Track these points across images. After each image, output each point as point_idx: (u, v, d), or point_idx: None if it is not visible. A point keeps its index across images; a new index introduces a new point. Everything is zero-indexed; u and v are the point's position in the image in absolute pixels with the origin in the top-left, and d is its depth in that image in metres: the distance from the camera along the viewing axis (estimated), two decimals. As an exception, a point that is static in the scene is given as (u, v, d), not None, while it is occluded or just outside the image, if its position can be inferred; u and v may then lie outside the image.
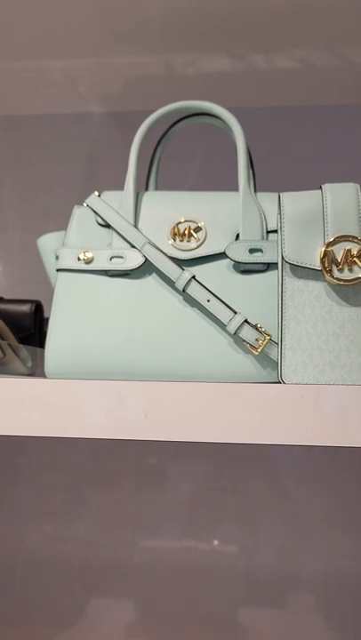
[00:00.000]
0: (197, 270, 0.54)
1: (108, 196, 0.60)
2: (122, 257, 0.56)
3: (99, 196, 0.60)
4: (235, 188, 0.58)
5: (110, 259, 0.56)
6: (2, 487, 0.99)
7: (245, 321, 0.50)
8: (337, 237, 0.47)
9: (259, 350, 0.50)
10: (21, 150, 1.02)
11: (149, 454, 0.95)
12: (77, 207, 0.60)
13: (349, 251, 0.47)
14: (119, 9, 0.73)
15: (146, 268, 0.55)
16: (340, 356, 0.46)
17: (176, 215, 0.57)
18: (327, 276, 0.46)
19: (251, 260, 0.54)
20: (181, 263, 0.55)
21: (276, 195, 0.55)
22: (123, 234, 0.56)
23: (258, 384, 0.42)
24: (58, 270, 0.57)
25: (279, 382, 0.46)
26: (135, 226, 0.57)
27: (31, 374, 0.63)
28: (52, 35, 0.79)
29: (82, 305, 0.55)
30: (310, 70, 0.84)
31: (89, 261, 0.56)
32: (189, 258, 0.55)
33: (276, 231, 0.55)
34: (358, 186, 0.49)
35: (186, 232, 0.56)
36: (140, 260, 0.55)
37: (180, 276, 0.53)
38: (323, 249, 0.47)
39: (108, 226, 0.58)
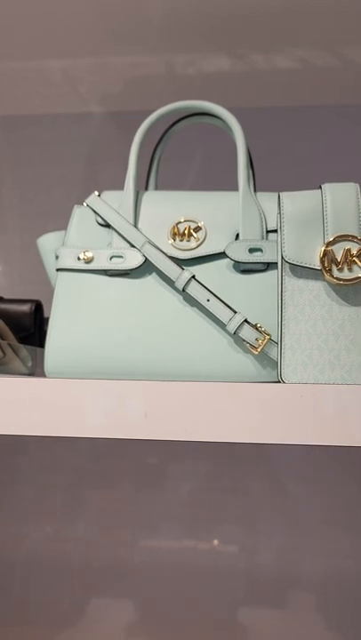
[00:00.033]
0: (197, 270, 0.54)
1: (108, 195, 0.60)
2: (122, 256, 0.56)
3: (99, 195, 0.60)
4: (235, 187, 0.58)
5: (110, 258, 0.56)
6: (2, 487, 0.99)
7: (245, 320, 0.50)
8: (337, 237, 0.47)
9: (258, 350, 0.50)
10: (21, 150, 1.02)
11: (149, 454, 0.95)
12: (77, 207, 0.60)
13: (349, 250, 0.47)
14: (119, 9, 0.73)
15: (146, 268, 0.55)
16: (339, 356, 0.46)
17: (176, 215, 0.57)
18: (327, 276, 0.46)
19: (250, 259, 0.54)
20: (181, 263, 0.55)
21: (276, 194, 0.55)
22: (123, 233, 0.56)
23: (258, 383, 0.42)
24: (58, 270, 0.57)
25: (279, 382, 0.46)
26: (135, 225, 0.57)
27: (31, 374, 0.63)
28: (52, 35, 0.79)
29: (82, 304, 0.55)
30: (310, 70, 0.84)
31: (89, 261, 0.56)
32: (189, 257, 0.55)
33: (275, 231, 0.55)
34: (358, 186, 0.49)
35: (186, 232, 0.56)
36: (140, 260, 0.55)
37: (180, 275, 0.53)
38: (322, 248, 0.47)
39: (107, 225, 0.58)
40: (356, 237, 0.47)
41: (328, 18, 0.74)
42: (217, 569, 0.92)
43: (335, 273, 0.46)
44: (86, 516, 0.96)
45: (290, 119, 0.95)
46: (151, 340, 0.53)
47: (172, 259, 0.54)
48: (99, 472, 0.96)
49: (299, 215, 0.48)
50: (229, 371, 0.51)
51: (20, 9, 0.74)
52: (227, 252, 0.54)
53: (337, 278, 0.46)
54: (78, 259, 0.56)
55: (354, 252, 0.46)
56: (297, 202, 0.49)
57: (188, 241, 0.56)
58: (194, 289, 0.52)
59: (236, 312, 0.51)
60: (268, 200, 0.57)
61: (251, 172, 0.60)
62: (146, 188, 0.67)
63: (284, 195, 0.50)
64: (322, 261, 0.47)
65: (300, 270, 0.48)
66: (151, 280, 0.55)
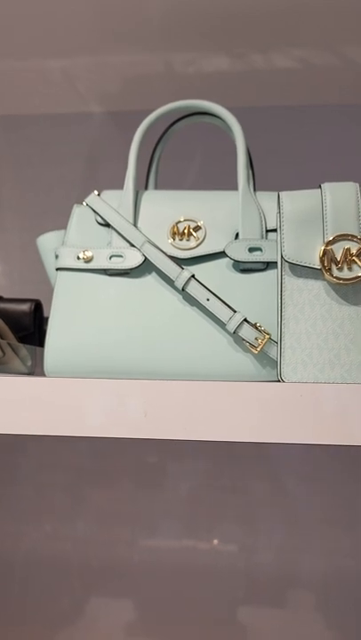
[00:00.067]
0: (197, 269, 0.54)
1: (108, 195, 0.60)
2: (121, 256, 0.56)
3: (98, 195, 0.60)
4: (234, 187, 0.58)
5: (110, 258, 0.56)
6: (1, 486, 0.99)
7: (245, 320, 0.50)
8: (336, 236, 0.47)
9: (258, 349, 0.50)
10: (21, 150, 1.02)
11: (149, 453, 0.95)
12: (77, 206, 0.60)
13: (349, 250, 0.47)
14: (118, 8, 0.73)
15: (145, 267, 0.55)
16: (339, 355, 0.46)
17: (176, 214, 0.57)
18: (327, 275, 0.46)
19: (250, 258, 0.54)
20: (181, 262, 0.55)
21: (276, 194, 0.55)
22: (122, 233, 0.56)
23: (257, 383, 0.42)
24: (57, 269, 0.57)
25: (279, 381, 0.46)
26: (135, 225, 0.57)
27: (31, 373, 0.63)
28: (51, 34, 0.79)
29: (81, 304, 0.55)
30: (310, 70, 0.84)
31: (88, 260, 0.56)
32: (189, 257, 0.55)
33: (275, 230, 0.55)
34: (358, 185, 0.49)
35: (185, 231, 0.56)
36: (140, 259, 0.55)
37: (180, 274, 0.53)
38: (322, 248, 0.47)
39: (107, 225, 0.58)
40: (356, 237, 0.47)
41: (327, 17, 0.74)
42: (217, 568, 0.92)
43: (335, 272, 0.46)
44: (86, 515, 0.96)
45: (289, 118, 0.95)
46: (151, 340, 0.53)
47: (172, 258, 0.54)
48: (98, 471, 0.96)
49: (298, 214, 0.48)
50: (229, 370, 0.51)
51: (19, 8, 0.74)
52: (226, 252, 0.54)
53: (337, 277, 0.46)
54: (78, 258, 0.56)
55: (354, 251, 0.47)
56: (297, 201, 0.49)
57: (187, 240, 0.56)
58: (193, 288, 0.52)
59: (235, 311, 0.51)
60: (267, 199, 0.57)
61: (250, 171, 0.60)
62: (146, 188, 0.67)
63: (283, 194, 0.50)
64: (321, 261, 0.47)
65: (299, 269, 0.48)
66: (151, 279, 0.55)
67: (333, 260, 0.47)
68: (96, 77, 0.89)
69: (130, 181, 0.59)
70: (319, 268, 0.47)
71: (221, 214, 0.57)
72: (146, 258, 0.55)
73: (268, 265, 0.54)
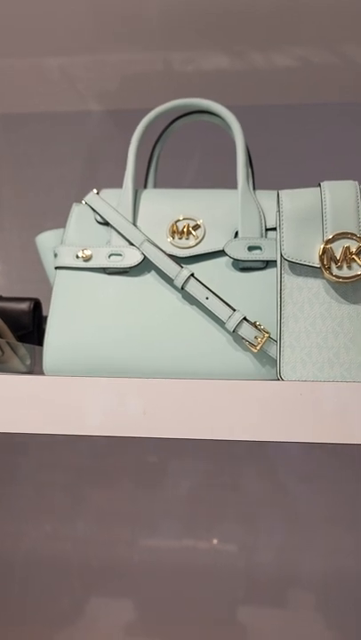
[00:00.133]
0: (196, 268, 0.54)
1: (107, 193, 0.60)
2: (120, 255, 0.56)
3: (97, 193, 0.60)
4: (234, 185, 0.58)
5: (109, 256, 0.56)
6: (1, 485, 0.98)
7: (244, 318, 0.50)
8: (336, 235, 0.47)
9: (258, 348, 0.50)
10: (19, 148, 1.02)
11: (149, 452, 0.95)
12: (76, 205, 0.60)
13: (348, 248, 0.47)
14: (117, 6, 0.73)
15: (144, 266, 0.55)
16: (339, 354, 0.46)
17: (175, 213, 0.57)
18: (326, 274, 0.46)
19: (249, 257, 0.54)
20: (180, 261, 0.55)
21: (275, 192, 0.55)
22: (121, 231, 0.56)
23: (257, 381, 0.42)
24: (56, 268, 0.57)
25: (278, 380, 0.46)
26: (134, 223, 0.57)
27: (30, 372, 0.63)
28: (50, 32, 0.79)
29: (80, 303, 0.55)
30: (309, 68, 0.84)
31: (87, 259, 0.56)
32: (188, 255, 0.55)
33: (274, 229, 0.55)
34: (357, 183, 0.49)
35: (185, 230, 0.56)
36: (139, 258, 0.55)
37: (179, 273, 0.53)
38: (322, 246, 0.47)
39: (106, 223, 0.58)
40: (356, 235, 0.47)
41: (326, 16, 0.74)
42: (217, 568, 0.92)
43: (334, 271, 0.46)
44: (85, 514, 0.96)
45: (289, 117, 0.94)
46: (150, 338, 0.53)
47: (171, 257, 0.54)
48: (98, 470, 0.96)
49: (298, 213, 0.48)
50: (228, 369, 0.51)
51: (18, 7, 0.74)
52: (226, 250, 0.54)
53: (336, 276, 0.46)
54: (77, 257, 0.56)
55: (353, 249, 0.46)
56: (296, 200, 0.49)
57: (186, 239, 0.56)
58: (193, 287, 0.52)
59: (235, 310, 0.51)
60: (267, 198, 0.57)
61: (250, 169, 0.60)
62: (145, 186, 0.67)
63: (283, 192, 0.50)
64: (321, 259, 0.47)
65: (299, 268, 0.48)
66: (150, 278, 0.55)
67: (333, 258, 0.46)
68: (95, 76, 0.89)
69: (129, 180, 0.59)
70: (319, 266, 0.47)
71: (221, 213, 0.57)
72: (145, 256, 0.55)
73: (268, 264, 0.54)
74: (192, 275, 0.52)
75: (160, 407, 0.42)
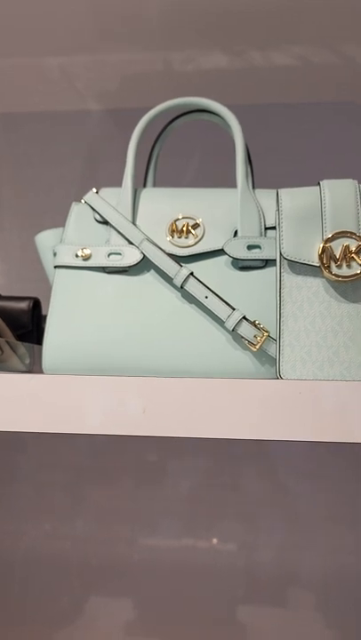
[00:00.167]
0: (195, 267, 0.54)
1: (106, 192, 0.60)
2: (120, 254, 0.56)
3: (97, 192, 0.60)
4: (233, 184, 0.58)
5: (108, 255, 0.56)
6: (0, 485, 0.98)
7: (244, 317, 0.50)
8: (335, 233, 0.47)
9: (257, 347, 0.50)
10: (19, 147, 1.02)
11: (148, 451, 0.95)
12: (75, 204, 0.60)
13: (348, 247, 0.47)
14: (117, 6, 0.73)
15: (144, 265, 0.55)
16: (338, 353, 0.46)
17: (174, 212, 0.57)
18: (325, 273, 0.46)
19: (249, 256, 0.54)
20: (179, 260, 0.55)
21: (275, 191, 0.55)
22: (121, 230, 0.56)
23: (256, 380, 0.42)
24: (55, 267, 0.57)
25: (278, 379, 0.46)
26: (133, 222, 0.57)
27: (29, 371, 0.63)
28: (50, 32, 0.79)
29: (79, 301, 0.55)
30: (308, 67, 0.84)
31: (87, 258, 0.56)
32: (187, 254, 0.55)
33: (274, 228, 0.55)
34: (357, 182, 0.49)
35: (184, 229, 0.56)
36: (138, 257, 0.55)
37: (178, 272, 0.53)
38: (321, 245, 0.47)
39: (105, 222, 0.58)
40: (355, 234, 0.47)
41: (326, 15, 0.74)
42: (217, 567, 0.92)
43: (334, 270, 0.46)
44: (85, 513, 0.96)
45: (288, 116, 0.94)
46: (149, 337, 0.53)
47: (171, 256, 0.54)
48: (97, 469, 0.96)
49: (297, 212, 0.48)
50: (228, 368, 0.51)
51: (17, 6, 0.74)
52: (225, 249, 0.54)
53: (336, 275, 0.46)
54: (76, 256, 0.56)
55: (353, 248, 0.46)
56: (296, 198, 0.49)
57: (186, 238, 0.56)
58: (192, 286, 0.52)
59: (234, 309, 0.51)
60: (266, 197, 0.57)
61: (249, 168, 0.60)
62: (144, 185, 0.67)
63: (282, 191, 0.50)
64: (320, 258, 0.47)
65: (298, 267, 0.48)
66: (149, 277, 0.55)
67: (332, 257, 0.46)
68: (95, 75, 0.89)
69: (128, 179, 0.59)
70: (318, 265, 0.47)
71: (220, 212, 0.57)
72: (144, 255, 0.55)
73: (267, 262, 0.54)
74: (191, 274, 0.52)
75: (160, 406, 0.42)
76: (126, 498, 0.95)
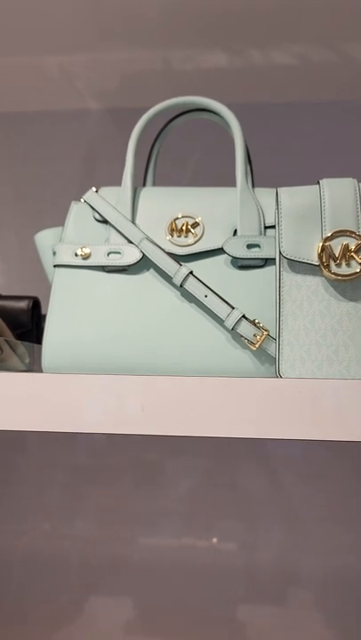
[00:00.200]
0: (195, 266, 0.54)
1: (106, 191, 0.60)
2: (119, 252, 0.56)
3: (96, 191, 0.60)
4: (232, 183, 0.58)
5: (108, 254, 0.56)
6: (0, 484, 0.98)
7: (243, 316, 0.50)
8: (335, 232, 0.47)
9: (257, 346, 0.50)
10: (18, 147, 1.02)
11: (148, 451, 0.95)
12: (75, 203, 0.60)
13: (347, 246, 0.46)
14: (116, 5, 0.73)
15: (143, 264, 0.55)
16: (338, 351, 0.46)
17: (173, 211, 0.57)
18: (325, 271, 0.46)
19: (248, 255, 0.54)
20: (179, 259, 0.55)
21: (274, 190, 0.55)
22: (120, 229, 0.56)
23: (256, 378, 0.42)
24: (55, 266, 0.57)
25: (277, 378, 0.46)
26: (133, 221, 0.57)
27: (29, 371, 0.63)
28: (49, 31, 0.79)
29: (79, 300, 0.55)
30: (308, 66, 0.84)
31: (86, 257, 0.56)
32: (187, 253, 0.55)
33: (273, 226, 0.55)
34: (356, 181, 0.49)
35: (183, 228, 0.56)
36: (138, 256, 0.55)
37: (178, 271, 0.52)
38: (320, 244, 0.47)
39: (105, 221, 0.58)
40: (355, 233, 0.47)
41: (325, 14, 0.74)
42: (216, 566, 0.92)
43: (333, 268, 0.46)
44: (85, 513, 0.96)
45: (288, 115, 0.94)
46: (149, 336, 0.53)
47: (170, 255, 0.54)
48: (97, 469, 0.96)
49: (297, 210, 0.48)
50: (227, 367, 0.51)
51: (17, 5, 0.74)
52: (224, 248, 0.54)
53: (335, 274, 0.46)
54: (76, 255, 0.56)
55: (352, 247, 0.46)
56: (295, 197, 0.49)
57: (185, 237, 0.56)
58: (192, 285, 0.52)
59: (233, 308, 0.51)
60: (266, 196, 0.57)
61: (249, 167, 0.60)
62: (144, 184, 0.67)
63: (282, 190, 0.50)
64: (320, 257, 0.46)
65: (298, 266, 0.48)
66: (149, 276, 0.55)
67: (332, 256, 0.46)
68: (94, 74, 0.89)
69: (128, 178, 0.59)
70: (317, 264, 0.47)
71: (220, 211, 0.57)
72: (144, 254, 0.55)
73: (267, 261, 0.54)
74: (191, 272, 0.52)
75: (159, 404, 0.42)
76: (126, 497, 0.95)
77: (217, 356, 0.51)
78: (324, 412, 0.40)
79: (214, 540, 0.93)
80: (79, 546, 0.95)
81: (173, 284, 0.53)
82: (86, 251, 0.56)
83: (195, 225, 0.56)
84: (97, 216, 0.58)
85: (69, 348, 0.53)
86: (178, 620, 0.91)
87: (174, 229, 0.56)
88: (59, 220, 0.62)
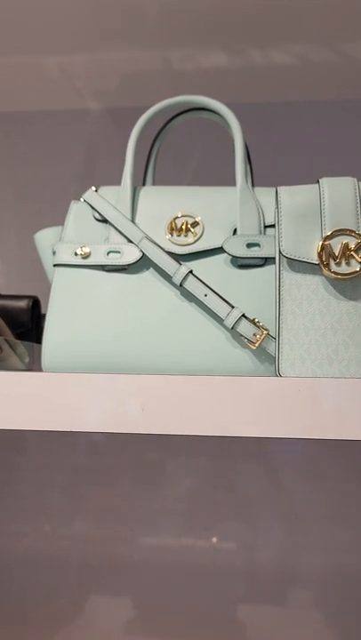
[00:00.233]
0: (195, 265, 0.54)
1: (106, 191, 0.60)
2: (119, 252, 0.56)
3: (96, 191, 0.60)
4: (232, 182, 0.58)
5: (107, 253, 0.56)
6: (0, 485, 0.98)
7: (243, 315, 0.50)
8: (334, 231, 0.47)
9: (256, 345, 0.50)
10: (18, 146, 1.02)
11: (148, 451, 0.95)
12: (75, 202, 0.60)
13: (347, 244, 0.46)
14: (116, 5, 0.73)
15: (143, 263, 0.55)
16: (337, 350, 0.46)
17: (173, 210, 0.57)
18: (325, 270, 0.46)
19: (248, 254, 0.54)
20: (179, 258, 0.55)
21: (274, 189, 0.55)
22: (120, 229, 0.56)
23: (255, 377, 0.42)
24: (55, 265, 0.57)
25: (277, 377, 0.46)
26: (132, 221, 0.57)
27: (28, 370, 0.63)
28: (49, 30, 0.79)
29: (79, 300, 0.55)
30: (308, 66, 0.84)
31: (86, 256, 0.56)
32: (187, 253, 0.55)
33: (273, 226, 0.55)
34: (355, 180, 0.49)
35: (183, 227, 0.56)
36: (138, 255, 0.55)
37: (178, 270, 0.52)
38: (320, 243, 0.47)
39: (105, 221, 0.58)
40: (354, 231, 0.47)
41: (325, 13, 0.74)
42: (216, 566, 0.92)
43: (333, 267, 0.46)
44: (85, 513, 0.96)
45: (287, 114, 0.94)
46: (148, 335, 0.53)
47: (170, 254, 0.54)
48: (97, 469, 0.96)
49: (297, 209, 0.48)
50: (227, 366, 0.51)
51: (16, 4, 0.74)
52: (224, 247, 0.54)
53: (335, 273, 0.46)
54: (75, 254, 0.56)
55: (352, 246, 0.46)
56: (295, 196, 0.49)
57: (185, 236, 0.56)
58: (191, 284, 0.52)
59: (233, 307, 0.50)
60: (265, 195, 0.57)
61: (248, 167, 0.60)
62: (143, 184, 0.67)
63: (281, 189, 0.50)
64: (320, 256, 0.46)
65: (297, 265, 0.48)
66: (148, 275, 0.55)
67: (332, 255, 0.46)
68: (94, 74, 0.89)
69: (127, 177, 0.59)
70: (317, 263, 0.46)
71: (219, 210, 0.57)
72: (143, 254, 0.54)
73: (267, 260, 0.54)
74: (191, 272, 0.52)
75: (158, 404, 0.42)
76: (126, 497, 0.95)
77: (217, 356, 0.51)
78: (324, 410, 0.40)
79: (214, 539, 0.92)
80: (79, 546, 0.95)
81: (173, 284, 0.53)
82: (86, 250, 0.56)
83: (194, 224, 0.56)
84: (97, 215, 0.58)
85: (69, 347, 0.53)
86: (178, 620, 0.91)
87: (174, 229, 0.56)
88: (59, 219, 0.62)
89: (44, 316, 0.64)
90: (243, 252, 0.54)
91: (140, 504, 0.94)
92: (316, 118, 0.94)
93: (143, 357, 0.52)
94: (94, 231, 0.58)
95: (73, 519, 0.96)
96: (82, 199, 0.60)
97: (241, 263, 0.54)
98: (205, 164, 0.95)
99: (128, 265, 0.55)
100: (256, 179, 0.63)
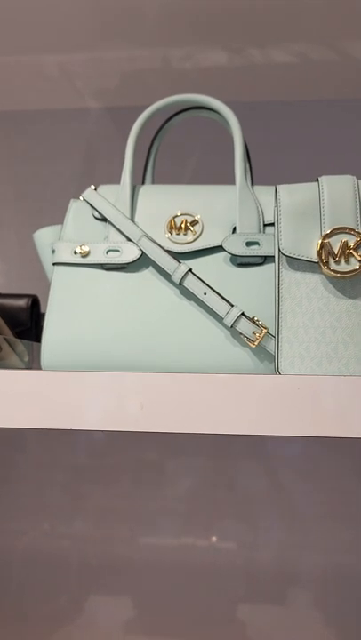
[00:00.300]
0: (194, 264, 0.54)
1: (105, 189, 0.60)
2: (118, 250, 0.55)
3: (95, 189, 0.60)
4: (232, 181, 0.58)
5: (107, 252, 0.56)
6: (-1, 484, 0.98)
7: (242, 314, 0.50)
8: (334, 229, 0.47)
9: (256, 343, 0.49)
10: (18, 145, 1.02)
11: (148, 450, 0.95)
12: (74, 201, 0.60)
13: (346, 243, 0.46)
14: (115, 3, 0.73)
15: (142, 262, 0.55)
16: (337, 349, 0.45)
17: (173, 208, 0.57)
18: (324, 269, 0.46)
19: (247, 252, 0.54)
20: (178, 256, 0.55)
21: (273, 188, 0.55)
22: (119, 227, 0.56)
23: (255, 375, 0.42)
24: (54, 264, 0.57)
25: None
26: (132, 219, 0.57)
27: (28, 369, 0.63)
28: (49, 29, 0.79)
29: (78, 298, 0.55)
30: (307, 64, 0.84)
31: (85, 255, 0.56)
32: (186, 251, 0.55)
33: (273, 224, 0.55)
34: (355, 178, 0.49)
35: (182, 225, 0.56)
36: (137, 254, 0.55)
37: (177, 269, 0.52)
38: (319, 241, 0.47)
39: (104, 219, 0.58)
40: (354, 230, 0.47)
41: (325, 12, 0.74)
42: (216, 565, 0.92)
43: (332, 265, 0.46)
44: (84, 512, 0.96)
45: (287, 113, 0.94)
46: (148, 334, 0.52)
47: (169, 252, 0.54)
48: (97, 468, 0.96)
49: (296, 207, 0.48)
50: (227, 364, 0.51)
51: (16, 3, 0.74)
52: (224, 246, 0.54)
53: (334, 271, 0.46)
54: (75, 253, 0.56)
55: (351, 244, 0.46)
56: (294, 194, 0.49)
57: (184, 234, 0.56)
58: (191, 282, 0.52)
59: (233, 305, 0.50)
60: (265, 193, 0.57)
61: (248, 165, 0.60)
62: (143, 182, 0.67)
63: (281, 187, 0.50)
64: (319, 254, 0.46)
65: (297, 263, 0.48)
66: (148, 274, 0.55)
67: (331, 253, 0.46)
68: (93, 73, 0.89)
69: (127, 176, 0.59)
70: (317, 261, 0.46)
71: (219, 208, 0.57)
72: (143, 252, 0.54)
73: (266, 259, 0.54)
74: (190, 270, 0.52)
75: (158, 402, 0.42)
76: (126, 497, 0.95)
77: (216, 354, 0.51)
78: (324, 408, 0.40)
79: (214, 539, 0.92)
80: (79, 545, 0.95)
81: (172, 282, 0.53)
82: (85, 249, 0.56)
83: (194, 223, 0.56)
84: (96, 214, 0.58)
85: (68, 345, 0.53)
86: (178, 620, 0.91)
87: (173, 227, 0.56)
88: (58, 218, 0.62)
89: (43, 314, 0.64)
90: (242, 250, 0.54)
91: (140, 504, 0.94)
92: (315, 117, 0.94)
93: (143, 356, 0.52)
94: (94, 230, 0.58)
95: (72, 518, 0.96)
96: (81, 198, 0.60)
97: (240, 261, 0.54)
98: (205, 162, 0.95)
99: (127, 263, 0.55)
100: (255, 177, 0.63)
